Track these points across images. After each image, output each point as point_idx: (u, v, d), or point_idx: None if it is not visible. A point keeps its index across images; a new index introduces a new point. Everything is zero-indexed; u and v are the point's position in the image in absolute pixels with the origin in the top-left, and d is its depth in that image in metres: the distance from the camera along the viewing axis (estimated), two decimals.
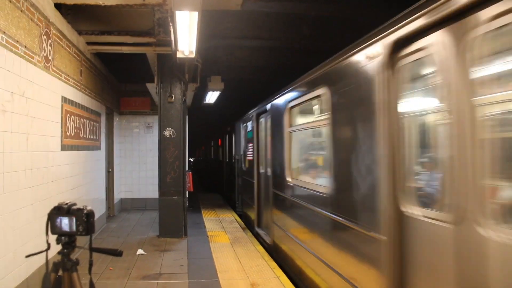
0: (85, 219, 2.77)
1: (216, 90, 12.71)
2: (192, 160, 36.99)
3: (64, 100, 6.94)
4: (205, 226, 10.67)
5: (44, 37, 5.90)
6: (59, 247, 2.89)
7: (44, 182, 5.98)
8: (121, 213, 12.76)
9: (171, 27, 6.44)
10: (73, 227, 2.78)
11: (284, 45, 9.53)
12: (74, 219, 2.77)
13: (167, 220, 9.26)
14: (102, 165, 10.52)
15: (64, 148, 6.93)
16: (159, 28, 7.74)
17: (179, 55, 7.01)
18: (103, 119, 10.38)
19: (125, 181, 13.36)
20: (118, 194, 12.88)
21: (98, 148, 9.85)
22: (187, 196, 9.95)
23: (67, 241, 2.83)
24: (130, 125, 13.49)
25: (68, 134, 7.20)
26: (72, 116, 7.44)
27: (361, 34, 4.17)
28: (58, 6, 6.53)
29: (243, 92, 15.79)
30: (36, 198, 5.62)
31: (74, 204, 2.84)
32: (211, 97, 14.42)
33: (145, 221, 11.32)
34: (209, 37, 8.38)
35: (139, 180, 13.50)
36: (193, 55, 7.05)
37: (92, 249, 2.87)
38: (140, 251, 7.94)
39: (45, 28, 5.92)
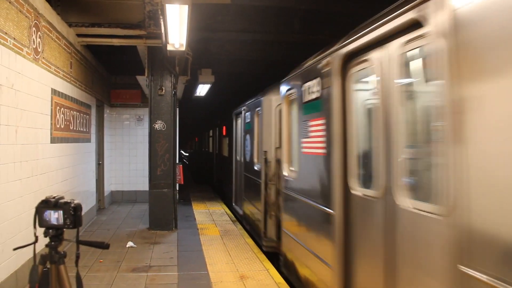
0: (72, 212, 2.79)
1: (207, 83, 12.69)
2: (187, 154, 36.54)
3: (54, 92, 6.92)
4: (195, 219, 10.72)
5: (34, 29, 5.87)
6: (47, 240, 2.91)
7: (34, 174, 5.98)
8: (112, 205, 12.76)
9: (162, 20, 6.43)
10: (60, 220, 2.80)
11: (275, 39, 9.54)
12: (61, 212, 2.79)
13: (157, 212, 9.28)
14: (92, 157, 10.50)
15: (53, 140, 6.92)
16: (150, 21, 7.73)
17: (169, 48, 7.00)
18: (93, 111, 10.35)
19: (116, 174, 13.33)
20: (109, 187, 12.86)
21: (88, 140, 9.83)
22: (177, 188, 9.96)
23: (55, 234, 2.85)
24: (120, 117, 13.45)
25: (58, 126, 7.18)
26: (62, 109, 7.42)
27: (350, 27, 4.31)
28: None
29: (234, 85, 15.78)
30: (25, 190, 5.62)
31: (62, 198, 2.87)
32: (202, 89, 14.41)
33: (135, 214, 11.34)
34: (200, 30, 8.37)
35: (130, 172, 13.47)
36: (183, 48, 7.04)
37: (79, 242, 2.90)
38: (130, 244, 7.97)
39: (34, 20, 5.89)
